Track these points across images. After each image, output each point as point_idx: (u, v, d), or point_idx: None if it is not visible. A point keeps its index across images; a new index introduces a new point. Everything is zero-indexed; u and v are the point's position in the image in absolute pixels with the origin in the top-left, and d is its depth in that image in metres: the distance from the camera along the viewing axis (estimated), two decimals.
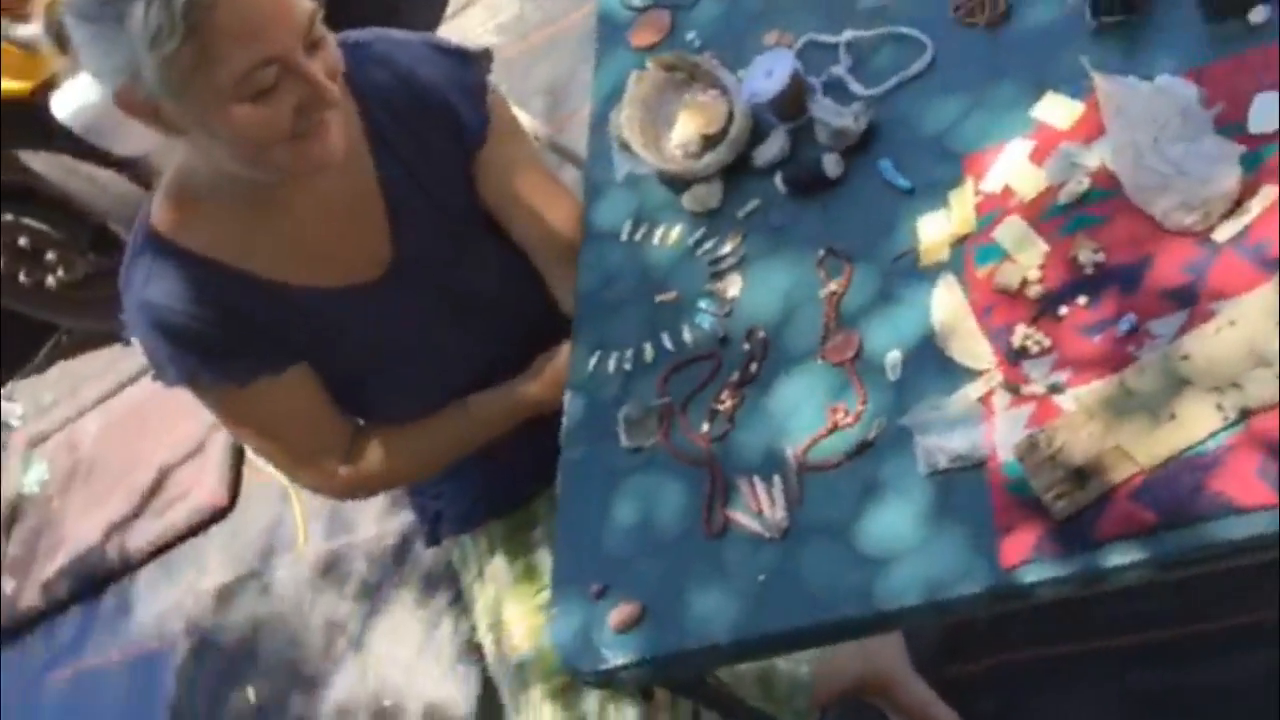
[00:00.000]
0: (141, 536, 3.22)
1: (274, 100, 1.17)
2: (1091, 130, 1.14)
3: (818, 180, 1.29)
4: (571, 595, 1.21)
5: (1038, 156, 1.17)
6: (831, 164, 1.28)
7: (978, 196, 1.18)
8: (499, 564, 1.56)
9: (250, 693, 2.71)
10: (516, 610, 1.51)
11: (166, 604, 3.10)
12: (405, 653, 2.49)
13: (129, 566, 3.23)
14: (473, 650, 2.29)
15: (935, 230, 1.19)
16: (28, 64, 2.85)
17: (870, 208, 1.26)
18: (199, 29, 1.11)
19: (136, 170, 3.24)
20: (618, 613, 1.15)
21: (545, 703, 1.42)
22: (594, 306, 1.41)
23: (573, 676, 1.19)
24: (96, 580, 3.29)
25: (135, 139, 1.30)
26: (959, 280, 1.14)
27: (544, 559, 1.53)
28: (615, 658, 1.14)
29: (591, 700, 1.41)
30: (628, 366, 1.33)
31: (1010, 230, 1.14)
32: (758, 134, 1.38)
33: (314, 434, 1.45)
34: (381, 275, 1.40)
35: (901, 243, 1.21)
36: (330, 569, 2.78)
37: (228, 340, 1.34)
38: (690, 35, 1.54)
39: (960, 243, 1.17)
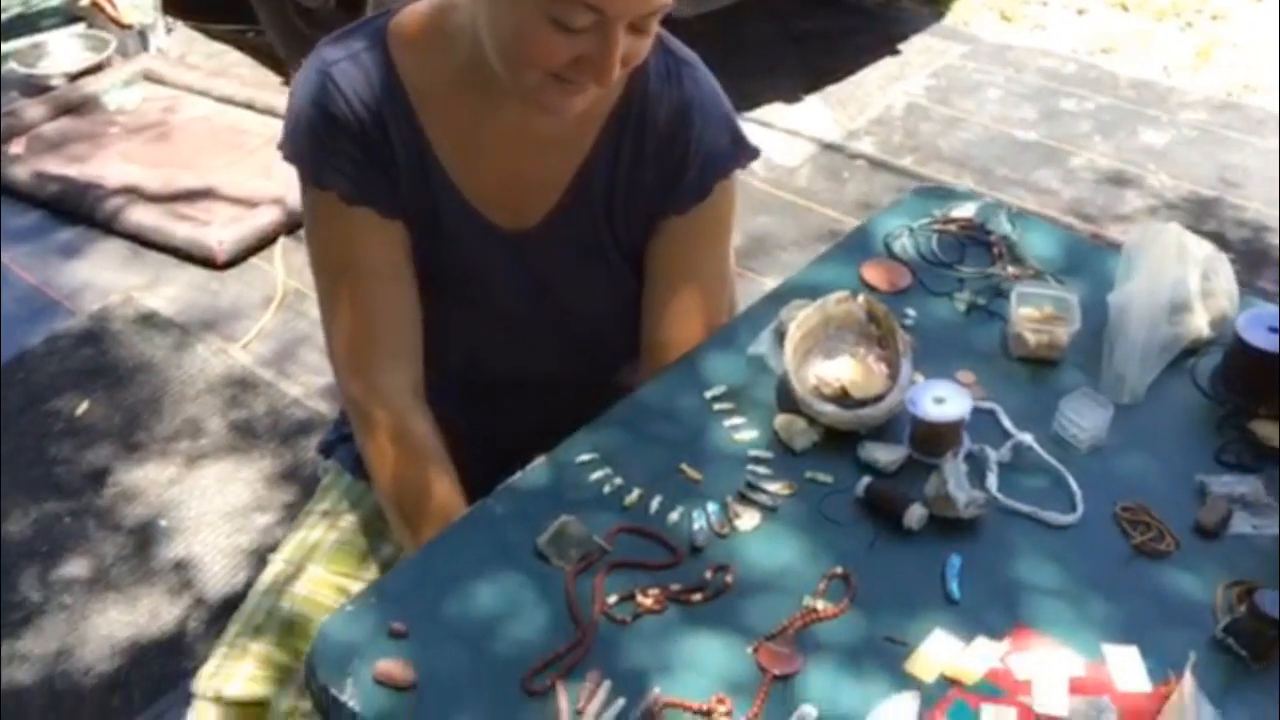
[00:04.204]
0: (140, 215, 3.13)
1: (567, 40, 1.12)
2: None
3: (892, 516, 1.19)
4: (372, 610, 1.09)
5: (1078, 688, 1.06)
6: (915, 517, 1.18)
7: (1000, 664, 1.07)
8: (345, 522, 1.45)
9: (81, 406, 2.58)
10: (319, 572, 1.39)
11: (99, 279, 3.00)
12: (220, 504, 2.35)
13: (108, 228, 3.15)
14: (255, 556, 2.17)
15: (940, 652, 1.08)
16: None
17: (912, 578, 1.15)
18: None
19: None
20: (390, 665, 1.03)
21: (257, 659, 1.32)
22: (633, 417, 1.32)
23: (308, 674, 1.07)
24: (77, 211, 3.20)
25: None
26: (919, 713, 1.03)
27: (383, 553, 1.43)
28: (350, 699, 1.02)
29: (285, 700, 1.30)
30: (606, 490, 1.22)
31: (997, 717, 1.03)
32: (883, 431, 1.30)
33: (388, 318, 1.32)
34: (515, 230, 1.34)
35: (905, 630, 1.10)
36: (240, 383, 2.67)
37: (365, 156, 1.27)
38: (910, 317, 1.47)
39: (950, 685, 1.06)
